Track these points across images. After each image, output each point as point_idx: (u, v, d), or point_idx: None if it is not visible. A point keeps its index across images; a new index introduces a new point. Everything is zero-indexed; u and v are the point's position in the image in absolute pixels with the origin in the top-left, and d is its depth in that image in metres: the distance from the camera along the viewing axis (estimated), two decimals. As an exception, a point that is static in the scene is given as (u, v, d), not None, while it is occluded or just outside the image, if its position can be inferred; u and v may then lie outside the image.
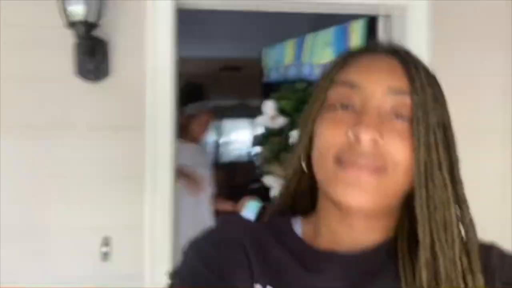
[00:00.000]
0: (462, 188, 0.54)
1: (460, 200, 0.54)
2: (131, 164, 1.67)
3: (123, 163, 1.67)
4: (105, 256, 1.63)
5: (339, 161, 0.52)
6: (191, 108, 2.56)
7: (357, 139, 0.51)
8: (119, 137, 1.66)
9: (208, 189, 2.59)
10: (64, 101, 1.64)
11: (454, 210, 0.53)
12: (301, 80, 2.51)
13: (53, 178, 1.64)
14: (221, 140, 6.12)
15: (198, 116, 2.58)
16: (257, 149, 2.52)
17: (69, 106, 1.64)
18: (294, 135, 2.26)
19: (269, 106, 2.42)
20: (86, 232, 1.65)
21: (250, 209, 2.00)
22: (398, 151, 0.52)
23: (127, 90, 1.66)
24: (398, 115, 0.53)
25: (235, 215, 0.66)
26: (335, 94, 0.55)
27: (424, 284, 0.51)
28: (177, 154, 1.75)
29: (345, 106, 0.54)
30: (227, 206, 2.69)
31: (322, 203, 0.59)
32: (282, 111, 2.35)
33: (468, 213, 0.54)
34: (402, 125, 0.53)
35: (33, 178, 1.64)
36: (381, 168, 0.52)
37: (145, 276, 1.66)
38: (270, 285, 0.56)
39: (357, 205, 0.52)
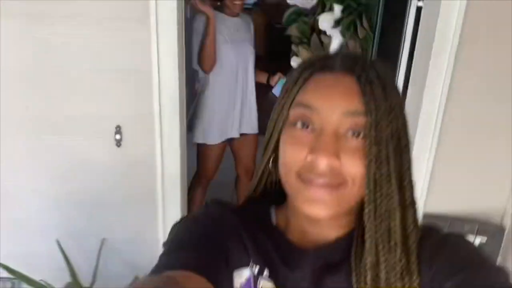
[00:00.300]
0: (410, 192, 0.60)
1: (406, 206, 0.60)
2: (138, 56, 1.65)
3: (131, 55, 1.66)
4: (119, 143, 1.76)
5: (301, 178, 0.58)
6: None
7: (316, 164, 0.56)
8: (125, 28, 1.62)
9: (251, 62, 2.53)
10: None
11: (399, 217, 0.58)
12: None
13: (65, 70, 1.67)
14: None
15: None
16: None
17: None
18: (321, 20, 2.18)
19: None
20: (100, 121, 1.73)
21: (281, 86, 2.04)
22: (355, 167, 0.57)
23: None
24: (354, 133, 0.57)
25: (220, 200, 0.70)
26: (296, 113, 0.60)
27: (368, 284, 0.58)
28: (181, 50, 1.75)
29: (305, 125, 0.59)
30: (262, 78, 2.67)
31: (291, 203, 0.64)
32: None
33: (412, 216, 0.60)
34: (358, 143, 0.57)
35: (47, 71, 1.66)
36: (340, 184, 0.57)
37: (156, 161, 1.79)
38: (267, 268, 0.62)
39: (320, 217, 0.59)
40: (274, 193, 0.69)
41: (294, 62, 2.45)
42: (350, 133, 0.57)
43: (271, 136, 0.64)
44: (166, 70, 1.66)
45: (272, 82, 2.64)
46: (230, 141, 2.62)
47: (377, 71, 0.59)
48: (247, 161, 2.78)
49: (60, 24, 1.60)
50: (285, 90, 0.63)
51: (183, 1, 1.70)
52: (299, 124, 0.59)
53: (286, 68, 2.36)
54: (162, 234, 1.91)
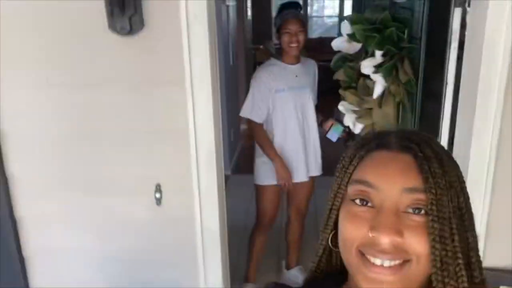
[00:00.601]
0: (479, 270, 0.59)
1: (475, 283, 0.58)
2: (175, 116, 1.69)
3: (168, 115, 1.70)
4: (158, 201, 1.78)
5: (362, 254, 0.58)
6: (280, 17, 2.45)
7: (378, 241, 0.56)
8: (161, 89, 1.67)
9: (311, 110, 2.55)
10: (102, 57, 1.65)
11: None
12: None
13: (105, 133, 1.73)
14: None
15: (285, 25, 2.41)
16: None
17: (107, 62, 1.65)
18: (363, 66, 2.17)
19: (346, 27, 2.27)
20: (140, 180, 1.77)
21: (333, 132, 2.07)
22: (419, 244, 0.56)
23: (163, 42, 1.63)
24: (415, 210, 0.57)
25: (281, 285, 0.73)
26: (354, 191, 0.60)
27: None
28: (217, 108, 1.76)
29: (364, 202, 0.59)
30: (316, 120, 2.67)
31: (353, 281, 0.62)
32: (351, 37, 2.22)
33: None
34: (420, 219, 0.57)
35: (88, 135, 1.74)
36: (404, 263, 0.56)
37: (195, 218, 1.80)
38: None
39: None
40: (336, 273, 0.69)
41: (342, 106, 2.43)
42: (411, 210, 0.57)
43: (330, 212, 0.65)
44: (202, 129, 1.68)
45: (325, 127, 2.64)
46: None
47: (433, 147, 0.60)
48: (300, 203, 2.76)
49: (98, 90, 1.68)
50: (342, 167, 0.64)
51: (217, 61, 1.73)
52: (358, 201, 0.59)
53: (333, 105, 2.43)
54: (205, 290, 1.89)
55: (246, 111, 2.51)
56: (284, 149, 2.53)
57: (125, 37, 1.59)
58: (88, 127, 1.73)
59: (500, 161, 1.62)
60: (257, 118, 2.50)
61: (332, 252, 0.68)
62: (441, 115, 1.87)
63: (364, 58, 2.25)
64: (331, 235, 0.65)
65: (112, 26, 1.56)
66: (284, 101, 2.46)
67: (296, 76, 2.50)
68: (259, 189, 2.63)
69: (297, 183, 2.64)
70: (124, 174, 1.77)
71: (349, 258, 0.60)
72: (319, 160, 2.66)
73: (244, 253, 3.29)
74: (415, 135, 0.62)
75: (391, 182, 0.57)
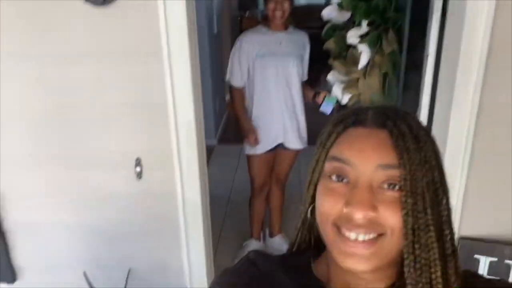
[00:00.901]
0: (451, 242, 0.61)
1: (447, 256, 0.60)
2: (153, 89, 1.66)
3: (146, 88, 1.66)
4: (139, 175, 1.76)
5: (337, 227, 0.59)
6: None
7: (351, 216, 0.58)
8: (138, 62, 1.63)
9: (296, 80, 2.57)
10: (76, 29, 1.60)
11: (440, 268, 0.58)
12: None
13: (81, 107, 1.69)
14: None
15: None
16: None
17: (82, 33, 1.60)
18: (349, 35, 2.16)
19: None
20: (120, 154, 1.74)
21: (327, 104, 2.07)
22: (393, 218, 0.57)
23: (138, 11, 1.58)
24: (390, 185, 0.58)
25: (262, 252, 0.73)
26: (331, 167, 0.61)
27: None
28: (197, 80, 1.71)
29: (340, 178, 0.60)
30: (308, 95, 2.70)
31: (330, 253, 0.64)
32: (340, 6, 2.20)
33: (453, 267, 0.60)
34: (394, 194, 0.58)
35: (64, 109, 1.70)
36: (378, 237, 0.58)
37: (176, 191, 1.79)
38: None
39: (358, 270, 0.60)
40: (315, 244, 0.71)
41: (331, 76, 2.41)
42: (385, 186, 0.58)
43: (308, 187, 0.67)
44: (181, 101, 1.65)
45: (318, 100, 2.64)
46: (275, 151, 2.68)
47: (409, 123, 0.60)
48: (280, 172, 2.82)
49: (74, 63, 1.63)
50: (320, 143, 0.65)
51: (196, 33, 1.69)
52: (334, 177, 0.61)
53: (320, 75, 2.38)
54: (186, 262, 1.91)
55: (227, 75, 2.60)
56: (264, 114, 2.55)
57: (98, 8, 1.54)
58: (65, 100, 1.69)
59: (478, 133, 1.63)
60: (235, 82, 2.56)
61: (313, 225, 0.70)
62: (421, 87, 1.87)
63: (352, 28, 2.21)
64: (309, 208, 0.67)
65: (85, -4, 1.51)
66: (264, 66, 2.48)
67: (280, 43, 2.50)
68: (248, 158, 2.71)
69: (281, 153, 2.66)
70: (103, 148, 1.75)
71: (326, 231, 0.61)
72: (304, 134, 2.67)
73: (230, 222, 3.34)
74: (392, 111, 0.63)
75: (366, 159, 0.58)
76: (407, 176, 0.57)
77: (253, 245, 2.91)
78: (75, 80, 1.66)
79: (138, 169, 1.75)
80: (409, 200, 0.57)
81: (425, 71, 1.83)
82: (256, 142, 2.55)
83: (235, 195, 3.68)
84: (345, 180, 0.60)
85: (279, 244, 2.95)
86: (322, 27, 2.43)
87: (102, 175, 1.78)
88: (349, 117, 0.64)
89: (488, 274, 1.77)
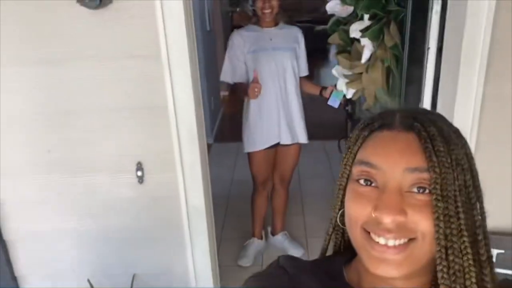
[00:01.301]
0: (486, 248, 0.59)
1: (482, 262, 0.58)
2: (153, 92, 1.64)
3: (146, 92, 1.64)
4: (140, 179, 1.75)
5: (367, 232, 0.58)
6: None
7: (380, 221, 0.56)
8: (138, 65, 1.60)
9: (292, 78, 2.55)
10: (75, 32, 1.57)
11: (474, 274, 0.56)
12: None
13: (82, 111, 1.67)
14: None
15: None
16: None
17: (77, 36, 1.58)
18: (352, 29, 2.14)
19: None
20: (121, 159, 1.73)
21: (334, 98, 2.04)
22: (423, 223, 0.56)
23: (135, 13, 1.55)
24: (419, 188, 0.57)
25: (291, 257, 0.71)
26: (358, 171, 0.60)
27: None
28: (196, 82, 1.70)
29: (368, 182, 0.59)
30: (315, 91, 2.69)
31: (360, 258, 0.63)
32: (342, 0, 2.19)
33: (489, 273, 0.58)
34: (424, 198, 0.56)
35: (64, 113, 1.68)
36: (408, 242, 0.56)
37: (180, 194, 1.77)
38: None
39: (388, 276, 0.58)
40: (346, 250, 0.70)
41: (335, 70, 2.39)
42: (415, 189, 0.57)
43: (337, 191, 0.66)
44: (182, 104, 1.63)
45: (325, 95, 2.63)
46: (275, 148, 2.66)
47: (439, 125, 0.59)
48: (284, 170, 2.80)
49: (73, 67, 1.60)
50: (347, 148, 0.65)
51: (194, 35, 1.66)
52: (362, 181, 0.60)
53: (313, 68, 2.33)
54: (191, 266, 1.89)
55: (224, 75, 2.58)
56: (260, 110, 2.53)
57: (96, 11, 1.51)
58: (64, 105, 1.66)
59: (482, 125, 1.62)
60: (226, 79, 2.57)
61: (344, 231, 0.69)
62: (423, 81, 1.85)
63: (354, 22, 2.19)
64: (339, 213, 0.66)
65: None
66: (256, 61, 2.48)
67: (271, 39, 2.50)
68: (248, 155, 2.69)
69: (282, 150, 2.65)
70: (104, 153, 1.72)
71: (355, 236, 0.61)
72: (302, 129, 2.64)
73: (230, 221, 3.31)
74: (421, 113, 0.61)
75: (393, 163, 0.57)
76: (437, 179, 0.55)
77: (255, 244, 2.89)
78: (74, 84, 1.63)
79: (139, 173, 1.72)
80: (440, 204, 0.55)
81: (426, 64, 1.81)
82: (259, 91, 2.42)
83: (234, 194, 3.65)
84: (373, 184, 0.59)
85: (280, 242, 2.94)
86: (314, 21, 2.41)
87: (103, 180, 1.76)
88: (376, 121, 0.63)
89: (496, 266, 1.76)
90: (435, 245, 0.56)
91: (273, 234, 3.00)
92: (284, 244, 2.91)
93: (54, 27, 1.55)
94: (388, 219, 0.56)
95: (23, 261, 1.88)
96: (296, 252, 2.81)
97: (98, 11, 1.51)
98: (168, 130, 1.67)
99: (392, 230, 0.56)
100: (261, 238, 2.95)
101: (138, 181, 1.73)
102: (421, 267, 0.59)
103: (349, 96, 2.33)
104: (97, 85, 1.63)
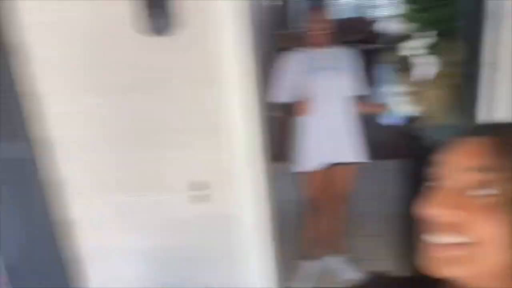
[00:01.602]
0: None
1: None
2: (214, 115, 1.69)
3: (207, 115, 1.70)
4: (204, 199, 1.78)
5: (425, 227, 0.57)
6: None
7: (433, 218, 0.55)
8: (196, 88, 1.67)
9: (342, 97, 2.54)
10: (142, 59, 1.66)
11: None
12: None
13: (147, 132, 1.75)
14: None
15: (311, 14, 2.47)
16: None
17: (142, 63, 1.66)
18: (412, 47, 2.10)
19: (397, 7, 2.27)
20: (184, 179, 1.78)
21: (390, 116, 2.33)
22: (484, 225, 0.52)
23: (197, 41, 1.62)
24: (484, 190, 0.53)
25: (381, 275, 0.70)
26: (433, 172, 0.60)
27: None
28: (258, 100, 1.74)
29: (433, 181, 0.59)
30: (370, 109, 2.68)
31: None
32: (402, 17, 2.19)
33: None
34: (488, 200, 0.53)
35: (128, 135, 1.76)
36: (464, 245, 0.53)
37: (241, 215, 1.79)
38: None
39: (444, 276, 0.55)
40: None
41: (392, 89, 2.39)
42: (479, 190, 0.54)
43: None
44: (241, 127, 1.68)
45: (380, 113, 2.65)
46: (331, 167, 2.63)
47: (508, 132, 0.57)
48: (338, 189, 2.74)
49: (141, 92, 1.69)
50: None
51: (257, 56, 1.70)
52: (429, 182, 0.59)
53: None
54: (252, 285, 1.89)
55: (276, 95, 2.58)
56: (314, 128, 2.53)
57: (159, 38, 1.59)
58: (132, 129, 1.74)
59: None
60: (284, 99, 2.56)
61: None
62: (477, 97, 1.79)
63: (414, 39, 2.19)
64: None
65: (144, 28, 1.56)
66: (310, 81, 2.48)
67: (323, 60, 2.51)
68: (301, 175, 2.67)
69: (336, 169, 2.62)
70: (168, 173, 1.79)
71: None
72: (358, 147, 2.61)
73: (281, 242, 3.27)
74: (500, 123, 0.60)
75: (455, 161, 0.57)
76: (503, 181, 0.53)
77: (310, 266, 2.85)
78: (140, 107, 1.72)
79: (203, 193, 1.76)
80: (507, 207, 0.52)
81: (481, 81, 1.76)
82: (311, 107, 2.44)
83: (283, 214, 3.62)
84: (437, 183, 0.58)
85: (336, 264, 2.88)
86: (363, 41, 2.41)
87: (169, 199, 1.81)
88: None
89: None
90: (502, 253, 0.53)
91: (330, 255, 2.95)
92: (339, 266, 2.85)
93: (117, 54, 1.66)
94: (438, 214, 0.55)
95: (93, 280, 1.94)
96: (353, 275, 2.75)
97: (162, 39, 1.59)
98: (230, 151, 1.72)
99: (443, 227, 0.55)
100: (316, 260, 2.90)
101: (199, 201, 1.77)
102: (496, 273, 0.55)
103: (407, 113, 2.30)
104: (163, 109, 1.71)
